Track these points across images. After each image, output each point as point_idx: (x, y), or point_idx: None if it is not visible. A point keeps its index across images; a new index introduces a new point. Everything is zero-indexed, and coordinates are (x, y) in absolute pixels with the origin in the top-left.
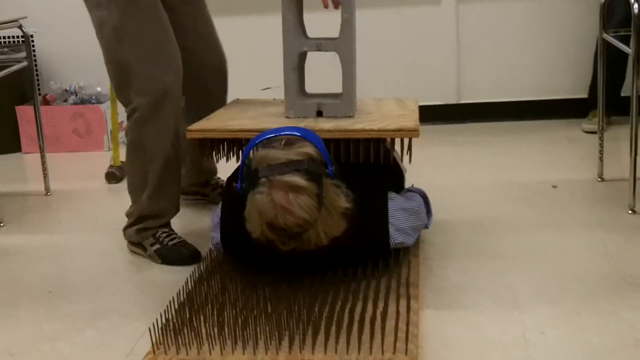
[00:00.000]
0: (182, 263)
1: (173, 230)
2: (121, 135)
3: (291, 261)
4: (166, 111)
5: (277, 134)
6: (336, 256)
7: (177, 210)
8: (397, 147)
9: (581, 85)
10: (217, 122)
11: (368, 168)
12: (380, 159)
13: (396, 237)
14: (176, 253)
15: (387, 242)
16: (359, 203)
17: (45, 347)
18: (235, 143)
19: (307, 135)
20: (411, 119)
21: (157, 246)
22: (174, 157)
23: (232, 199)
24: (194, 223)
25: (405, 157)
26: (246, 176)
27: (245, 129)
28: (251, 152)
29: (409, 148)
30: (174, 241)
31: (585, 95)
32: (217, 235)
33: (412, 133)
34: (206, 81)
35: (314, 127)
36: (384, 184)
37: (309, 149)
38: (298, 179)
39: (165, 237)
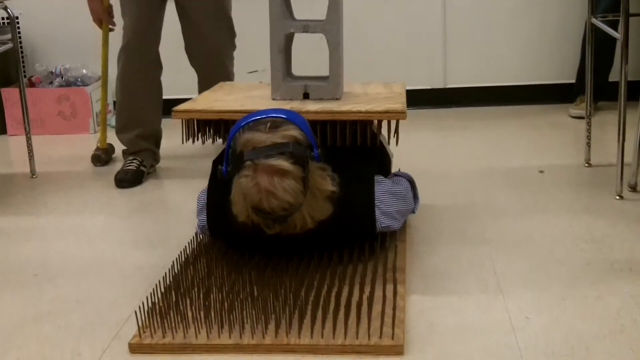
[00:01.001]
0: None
1: (137, 159)
2: (108, 117)
3: (277, 244)
4: (121, 59)
5: (263, 116)
6: (322, 239)
7: (139, 145)
8: (384, 131)
9: (567, 70)
10: (203, 103)
11: (355, 151)
12: (367, 142)
13: (382, 221)
14: (116, 176)
15: (373, 225)
16: (345, 186)
17: (30, 330)
18: (221, 124)
19: (292, 118)
20: (398, 102)
21: None
22: (124, 100)
23: (217, 182)
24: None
25: (392, 140)
26: (231, 159)
27: (231, 110)
28: (236, 134)
29: (396, 130)
30: (124, 167)
31: (571, 81)
32: (203, 218)
33: (399, 115)
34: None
35: (301, 109)
36: (370, 167)
37: (294, 132)
38: (283, 163)
39: (126, 163)
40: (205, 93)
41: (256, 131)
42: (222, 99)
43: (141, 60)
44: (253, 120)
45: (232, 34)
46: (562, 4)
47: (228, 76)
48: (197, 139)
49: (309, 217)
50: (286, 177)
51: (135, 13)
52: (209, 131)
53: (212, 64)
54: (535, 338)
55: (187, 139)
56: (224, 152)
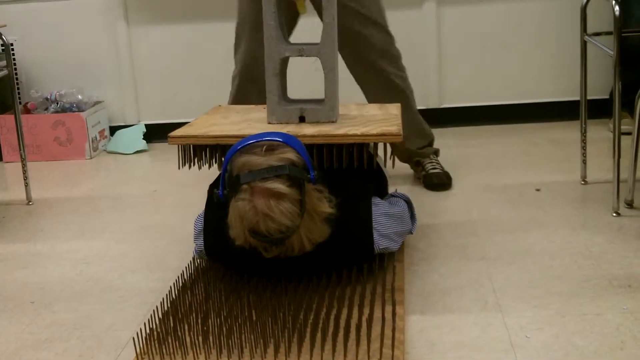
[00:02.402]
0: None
1: None
2: (102, 143)
3: (275, 267)
4: (233, 87)
5: (259, 140)
6: (320, 261)
7: None
8: (380, 152)
9: (564, 88)
10: (199, 129)
11: (351, 173)
12: (364, 164)
13: (380, 243)
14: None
15: (371, 247)
16: (342, 208)
17: (28, 357)
18: (217, 149)
19: (288, 141)
20: (394, 124)
21: None
22: None
23: (214, 206)
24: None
25: (389, 162)
26: (227, 182)
27: (228, 135)
28: (232, 157)
29: (392, 153)
30: None
31: (567, 98)
32: (200, 242)
33: (395, 137)
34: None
35: (297, 132)
36: (367, 189)
37: (290, 155)
38: (279, 185)
39: None
40: (202, 117)
41: (252, 154)
42: (218, 123)
43: (253, 85)
44: (249, 143)
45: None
46: (559, 22)
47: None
48: (194, 164)
49: (307, 240)
50: (283, 200)
51: (248, 40)
52: (206, 156)
53: None
54: (536, 355)
55: (184, 165)
56: (220, 176)
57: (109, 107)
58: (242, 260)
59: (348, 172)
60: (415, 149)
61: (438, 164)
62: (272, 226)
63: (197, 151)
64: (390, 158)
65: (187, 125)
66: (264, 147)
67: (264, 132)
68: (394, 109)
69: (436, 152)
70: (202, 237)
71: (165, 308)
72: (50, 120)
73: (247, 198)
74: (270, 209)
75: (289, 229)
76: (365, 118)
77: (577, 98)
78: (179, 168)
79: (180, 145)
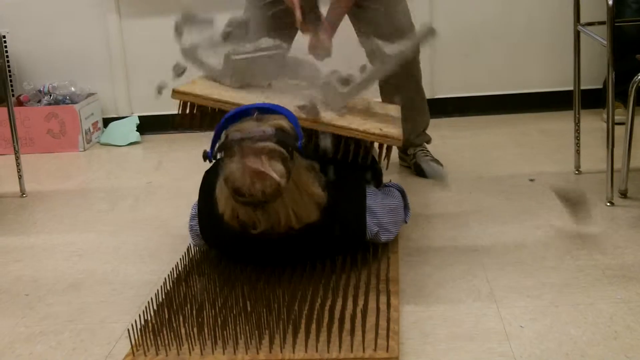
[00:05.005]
0: None
1: None
2: (95, 135)
3: (267, 250)
4: None
5: (252, 107)
6: (313, 248)
7: None
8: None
9: (556, 78)
10: (202, 89)
11: (346, 162)
12: (359, 158)
13: (373, 230)
14: None
15: (363, 232)
16: (336, 194)
17: (22, 350)
18: (216, 115)
19: (281, 110)
20: (396, 126)
21: None
22: None
23: (207, 189)
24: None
25: (383, 162)
26: (220, 147)
27: (230, 102)
28: (225, 124)
29: (387, 155)
30: None
31: (559, 88)
32: (195, 222)
33: (396, 142)
34: None
35: (298, 116)
36: (362, 178)
37: (282, 122)
38: (268, 144)
39: None
40: (202, 81)
41: (245, 120)
42: (219, 88)
43: None
44: (243, 110)
45: None
46: (552, 11)
47: None
48: (189, 124)
49: (292, 213)
50: (270, 160)
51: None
52: (202, 119)
53: None
54: (530, 346)
55: (181, 120)
56: (215, 162)
57: (102, 99)
58: (234, 243)
59: (343, 160)
60: (413, 138)
61: (429, 151)
62: (257, 185)
63: (196, 111)
64: (384, 159)
65: (190, 84)
66: (256, 113)
67: (258, 103)
68: (394, 110)
69: (428, 141)
70: (196, 220)
71: (160, 300)
72: (43, 113)
73: (236, 158)
74: (257, 166)
75: (273, 188)
76: (368, 114)
77: (571, 88)
78: (174, 127)
79: (181, 101)
